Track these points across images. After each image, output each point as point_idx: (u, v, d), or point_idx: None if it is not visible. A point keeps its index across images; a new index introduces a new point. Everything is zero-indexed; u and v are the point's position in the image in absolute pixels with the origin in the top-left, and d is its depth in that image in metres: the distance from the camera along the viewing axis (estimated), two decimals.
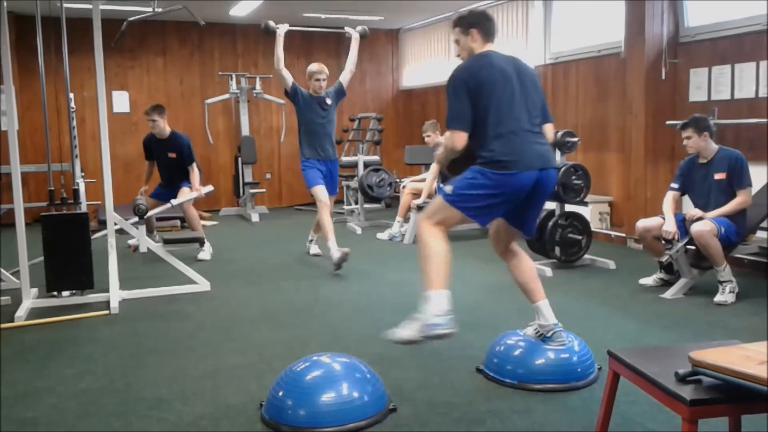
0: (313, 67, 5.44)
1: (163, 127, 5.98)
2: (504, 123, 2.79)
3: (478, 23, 2.96)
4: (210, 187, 6.04)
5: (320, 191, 5.35)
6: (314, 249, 5.91)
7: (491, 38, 2.98)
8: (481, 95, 2.79)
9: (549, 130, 3.02)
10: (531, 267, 3.03)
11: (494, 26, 3.00)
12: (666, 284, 4.51)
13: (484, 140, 2.80)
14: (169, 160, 5.99)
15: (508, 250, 3.03)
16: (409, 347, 3.43)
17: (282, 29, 5.35)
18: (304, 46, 9.69)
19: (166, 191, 6.00)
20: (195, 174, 5.97)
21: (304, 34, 9.68)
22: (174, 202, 5.67)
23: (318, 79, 5.36)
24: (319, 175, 5.41)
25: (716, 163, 4.34)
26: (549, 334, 2.95)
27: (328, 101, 5.43)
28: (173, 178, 6.03)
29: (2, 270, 4.72)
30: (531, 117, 2.86)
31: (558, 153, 5.45)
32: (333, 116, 5.52)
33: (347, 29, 5.67)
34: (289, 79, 5.33)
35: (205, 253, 5.86)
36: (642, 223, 4.53)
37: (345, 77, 5.56)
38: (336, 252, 5.06)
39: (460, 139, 2.80)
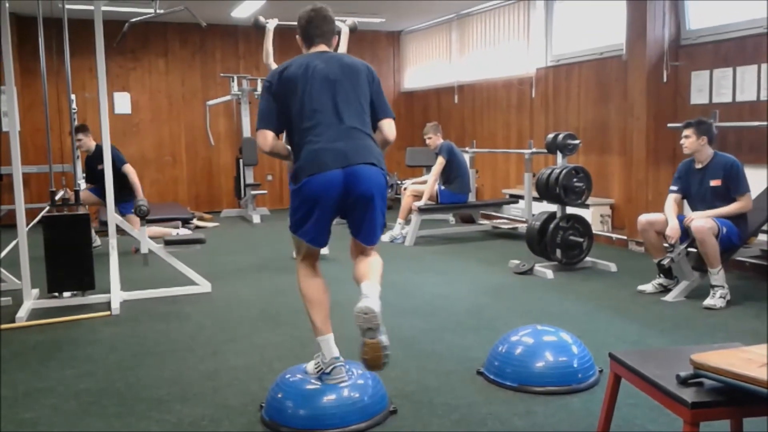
0: None
1: (90, 144, 6.26)
2: (307, 130, 2.61)
3: (298, 29, 2.81)
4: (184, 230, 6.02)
5: None
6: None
7: (314, 41, 2.79)
8: (285, 99, 2.65)
9: (384, 126, 2.76)
10: (369, 262, 2.67)
11: (315, 29, 2.78)
12: (665, 291, 4.49)
13: (293, 147, 2.68)
14: (100, 173, 5.80)
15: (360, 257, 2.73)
16: (409, 348, 3.44)
17: (271, 24, 5.36)
18: None
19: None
20: (131, 174, 6.15)
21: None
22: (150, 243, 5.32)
23: None
24: None
25: (711, 170, 4.34)
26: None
27: None
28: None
29: (3, 270, 4.71)
30: (342, 118, 2.61)
31: (559, 155, 5.46)
32: None
33: (336, 22, 5.62)
34: None
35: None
36: (645, 217, 4.53)
37: None
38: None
39: (263, 137, 2.66)
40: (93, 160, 6.24)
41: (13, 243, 4.64)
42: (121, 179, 5.99)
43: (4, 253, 5.02)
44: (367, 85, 2.75)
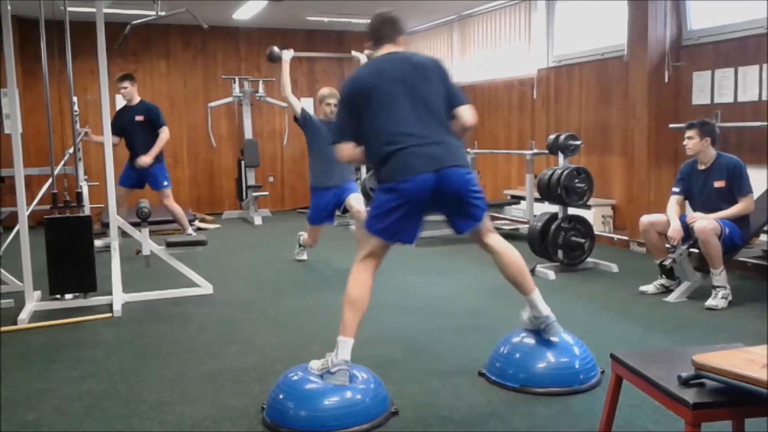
0: (324, 91, 5.23)
1: (134, 94, 6.38)
2: (391, 133, 2.73)
3: (368, 32, 3.03)
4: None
5: (313, 232, 5.38)
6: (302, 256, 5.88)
7: (381, 42, 2.98)
8: (364, 108, 2.77)
9: (461, 113, 2.86)
10: (514, 261, 2.91)
11: (381, 30, 2.99)
12: (667, 291, 4.49)
13: (374, 155, 2.79)
14: (137, 125, 6.28)
15: (486, 245, 2.94)
16: (411, 349, 3.44)
17: (287, 55, 5.25)
18: (306, 48, 9.70)
19: (135, 174, 6.35)
20: (165, 135, 6.32)
21: (306, 35, 9.71)
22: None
23: (329, 104, 5.13)
24: (323, 209, 5.22)
25: (715, 171, 4.34)
26: (543, 327, 2.93)
27: None
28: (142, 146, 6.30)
29: (5, 272, 4.72)
30: (422, 118, 2.75)
31: (561, 156, 5.46)
32: None
33: (354, 53, 5.60)
34: (298, 105, 5.18)
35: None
36: (647, 218, 4.53)
37: None
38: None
39: (340, 151, 2.84)
40: (130, 113, 6.31)
41: (7, 241, 4.64)
42: (150, 141, 6.28)
43: (1, 249, 5.02)
44: (440, 80, 2.87)
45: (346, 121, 2.82)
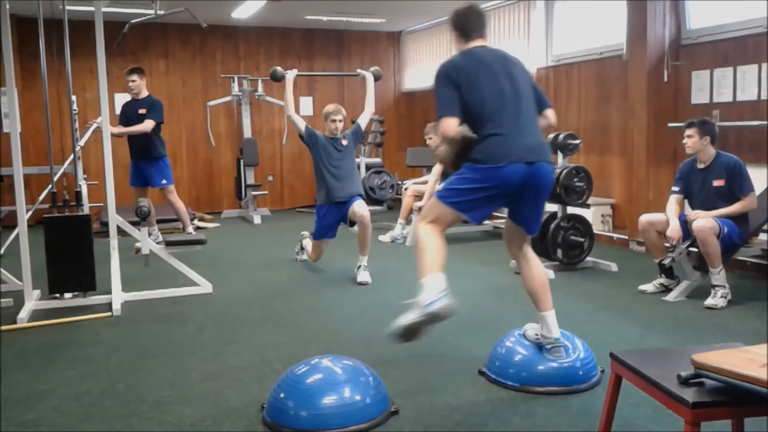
0: (330, 108, 5.17)
1: (142, 88, 6.39)
2: (492, 118, 2.78)
3: (455, 25, 3.03)
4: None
5: (316, 245, 5.27)
6: (302, 256, 5.83)
7: (472, 35, 2.99)
8: (466, 90, 2.80)
9: (549, 114, 3.04)
10: (542, 275, 2.99)
11: (473, 23, 3.00)
12: (666, 290, 4.49)
13: (474, 139, 2.81)
14: (139, 118, 6.29)
15: (521, 253, 3.02)
16: (411, 348, 3.44)
17: (291, 74, 5.21)
18: (305, 47, 9.71)
19: (139, 174, 6.42)
20: (144, 126, 6.26)
21: (305, 34, 9.71)
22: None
23: (334, 120, 5.08)
24: (328, 228, 5.14)
25: (714, 170, 4.34)
26: (548, 347, 2.93)
27: (344, 142, 5.13)
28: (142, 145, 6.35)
29: (4, 271, 4.72)
30: (521, 110, 2.84)
31: (560, 155, 5.46)
32: (350, 156, 5.20)
33: (359, 71, 5.50)
34: (302, 124, 5.13)
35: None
36: (646, 218, 4.53)
37: (364, 119, 5.29)
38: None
39: (448, 124, 2.80)
40: (135, 106, 6.33)
41: (8, 241, 4.66)
42: (147, 137, 6.29)
43: (1, 248, 5.02)
44: (529, 80, 2.97)
45: (451, 96, 2.81)
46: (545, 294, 2.97)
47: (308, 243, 5.54)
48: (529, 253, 3.02)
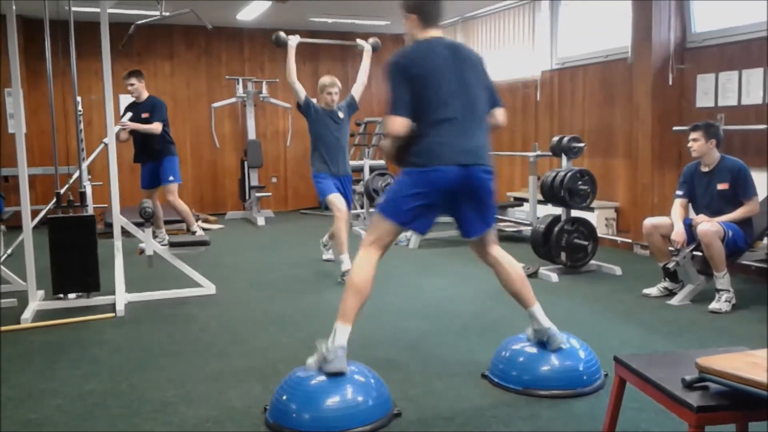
0: (325, 80, 5.20)
1: (142, 91, 6.34)
2: (434, 118, 2.69)
3: (416, 8, 2.81)
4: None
5: (336, 199, 5.05)
6: (327, 254, 5.85)
7: (434, 22, 2.84)
8: (416, 88, 2.69)
9: (497, 114, 2.92)
10: (518, 273, 2.93)
11: (437, 9, 2.83)
12: (670, 294, 4.48)
13: (414, 138, 2.72)
14: (144, 122, 6.26)
15: (489, 256, 2.93)
16: (413, 350, 3.44)
17: (293, 41, 5.20)
18: (310, 48, 9.70)
19: (153, 175, 6.40)
20: (153, 126, 6.22)
21: (310, 36, 9.68)
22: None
23: (330, 93, 5.11)
24: (333, 185, 5.14)
25: (719, 173, 4.33)
26: (546, 339, 2.92)
27: (341, 115, 5.19)
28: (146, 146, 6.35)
29: (8, 272, 4.73)
30: (466, 110, 2.74)
31: (564, 158, 5.45)
32: (346, 130, 5.28)
33: (359, 41, 5.43)
34: (302, 92, 5.13)
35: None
36: (650, 221, 4.52)
37: (357, 90, 5.31)
38: (348, 265, 4.87)
39: (400, 124, 2.67)
40: (138, 110, 6.31)
41: (16, 243, 4.67)
42: (154, 138, 6.28)
43: (9, 251, 5.04)
44: (485, 77, 2.88)
45: (405, 96, 2.69)
46: (526, 289, 2.92)
47: (338, 230, 5.16)
48: (499, 253, 2.93)
